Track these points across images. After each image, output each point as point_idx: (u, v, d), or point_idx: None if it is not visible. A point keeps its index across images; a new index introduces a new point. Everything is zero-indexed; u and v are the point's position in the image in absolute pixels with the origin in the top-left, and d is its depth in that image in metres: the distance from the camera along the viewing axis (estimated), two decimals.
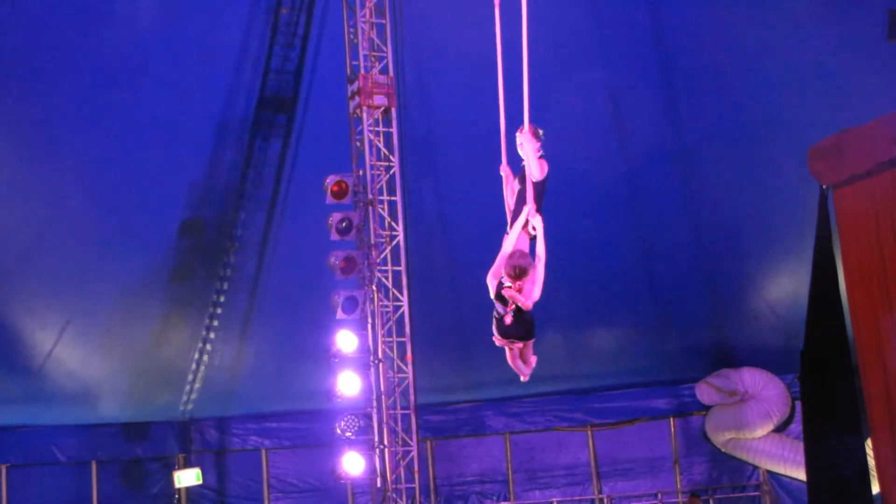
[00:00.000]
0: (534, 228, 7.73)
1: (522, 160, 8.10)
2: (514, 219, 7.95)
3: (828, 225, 14.06)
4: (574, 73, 14.07)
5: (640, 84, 14.82)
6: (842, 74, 14.10)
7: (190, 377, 15.70)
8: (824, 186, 14.03)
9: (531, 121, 8.16)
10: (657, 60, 14.65)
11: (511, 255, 7.48)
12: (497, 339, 7.67)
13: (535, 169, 7.94)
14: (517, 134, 8.12)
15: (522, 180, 8.07)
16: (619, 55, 14.62)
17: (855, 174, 13.60)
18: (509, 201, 8.22)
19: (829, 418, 14.07)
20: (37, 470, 15.79)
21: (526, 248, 7.81)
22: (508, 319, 7.45)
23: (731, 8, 14.08)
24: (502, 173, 8.33)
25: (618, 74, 14.73)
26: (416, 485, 13.54)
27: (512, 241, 7.74)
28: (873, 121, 13.23)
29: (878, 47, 13.46)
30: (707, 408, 17.15)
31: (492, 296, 7.55)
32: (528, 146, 7.98)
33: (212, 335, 15.38)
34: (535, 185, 7.90)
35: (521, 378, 7.92)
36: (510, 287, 7.44)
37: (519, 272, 7.42)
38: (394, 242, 13.74)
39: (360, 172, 13.65)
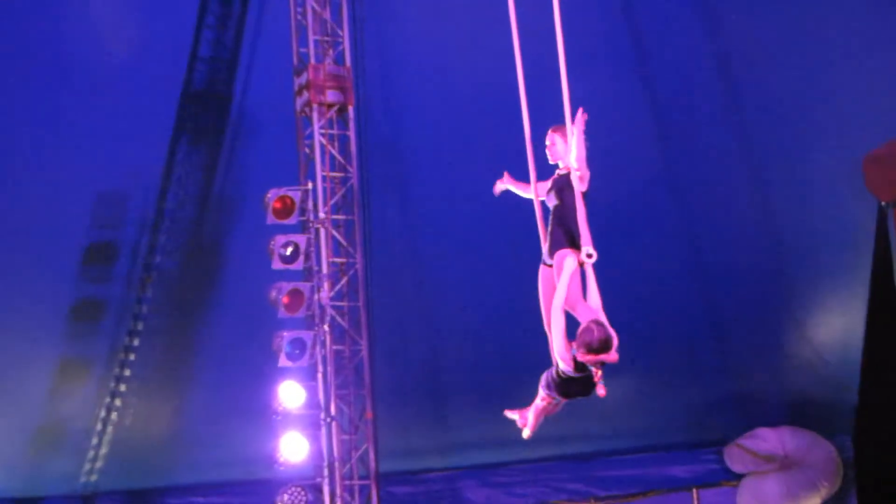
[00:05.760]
0: (589, 256, 7.73)
1: (562, 166, 8.08)
2: (558, 246, 7.93)
3: (888, 250, 14.31)
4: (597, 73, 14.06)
5: (665, 83, 15.06)
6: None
7: (94, 440, 15.31)
8: (883, 203, 14.28)
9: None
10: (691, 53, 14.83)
11: (594, 329, 7.46)
12: (550, 399, 7.90)
13: (583, 171, 7.91)
14: (551, 133, 8.15)
15: (556, 191, 8.05)
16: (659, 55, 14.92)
17: None
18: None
19: (889, 489, 14.37)
20: None
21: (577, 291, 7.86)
22: (602, 391, 7.49)
23: None
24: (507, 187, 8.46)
25: (642, 78, 14.98)
26: None
27: (563, 295, 7.72)
28: None
29: None
30: (739, 476, 16.91)
31: (568, 368, 7.58)
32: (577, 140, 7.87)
33: (122, 387, 15.08)
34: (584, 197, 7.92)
35: (528, 432, 8.18)
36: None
37: (607, 344, 7.46)
38: (350, 272, 13.63)
39: (310, 186, 13.53)
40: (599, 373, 7.44)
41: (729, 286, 15.78)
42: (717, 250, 15.63)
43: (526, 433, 8.12)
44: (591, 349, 7.34)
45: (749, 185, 15.41)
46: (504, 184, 8.48)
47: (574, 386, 7.63)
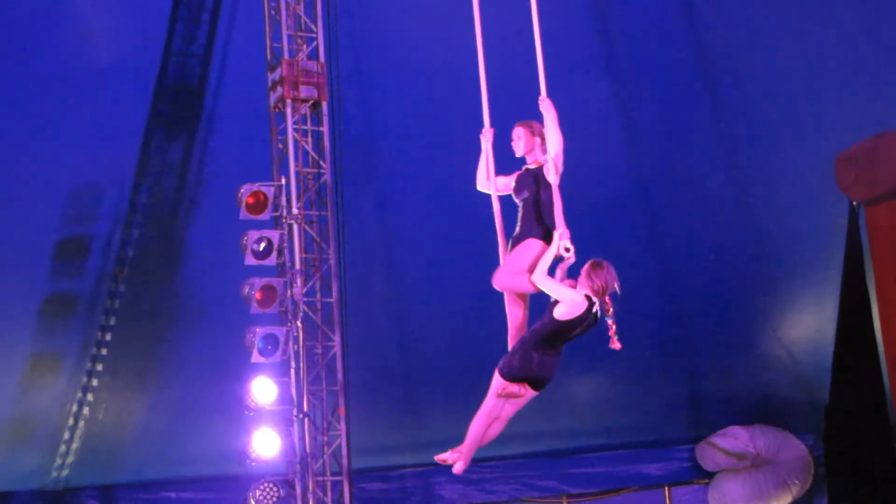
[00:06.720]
0: (567, 250, 7.84)
1: (530, 161, 8.18)
2: (528, 236, 7.99)
3: (859, 250, 14.35)
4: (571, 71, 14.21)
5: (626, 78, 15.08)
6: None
7: (66, 435, 15.13)
8: (855, 203, 14.35)
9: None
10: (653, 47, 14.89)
11: (602, 266, 7.80)
12: (520, 388, 7.97)
13: (558, 162, 7.96)
14: (517, 127, 8.23)
15: (527, 185, 8.09)
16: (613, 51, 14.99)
17: (892, 187, 13.91)
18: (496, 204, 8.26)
19: (860, 487, 14.39)
20: None
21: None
22: (618, 345, 7.79)
23: None
24: (484, 143, 8.32)
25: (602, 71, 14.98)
26: None
27: (546, 266, 7.86)
28: None
29: None
30: (711, 474, 16.93)
31: (578, 312, 7.79)
32: (548, 120, 7.96)
33: (94, 382, 14.91)
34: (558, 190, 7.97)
35: (459, 466, 8.14)
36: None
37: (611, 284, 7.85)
38: (324, 268, 13.54)
39: (283, 181, 13.44)
40: (614, 327, 7.79)
41: (701, 284, 15.75)
42: (689, 249, 15.63)
43: (458, 467, 8.17)
44: (608, 285, 7.79)
45: (722, 184, 15.41)
46: (488, 143, 8.34)
47: (552, 351, 7.93)
